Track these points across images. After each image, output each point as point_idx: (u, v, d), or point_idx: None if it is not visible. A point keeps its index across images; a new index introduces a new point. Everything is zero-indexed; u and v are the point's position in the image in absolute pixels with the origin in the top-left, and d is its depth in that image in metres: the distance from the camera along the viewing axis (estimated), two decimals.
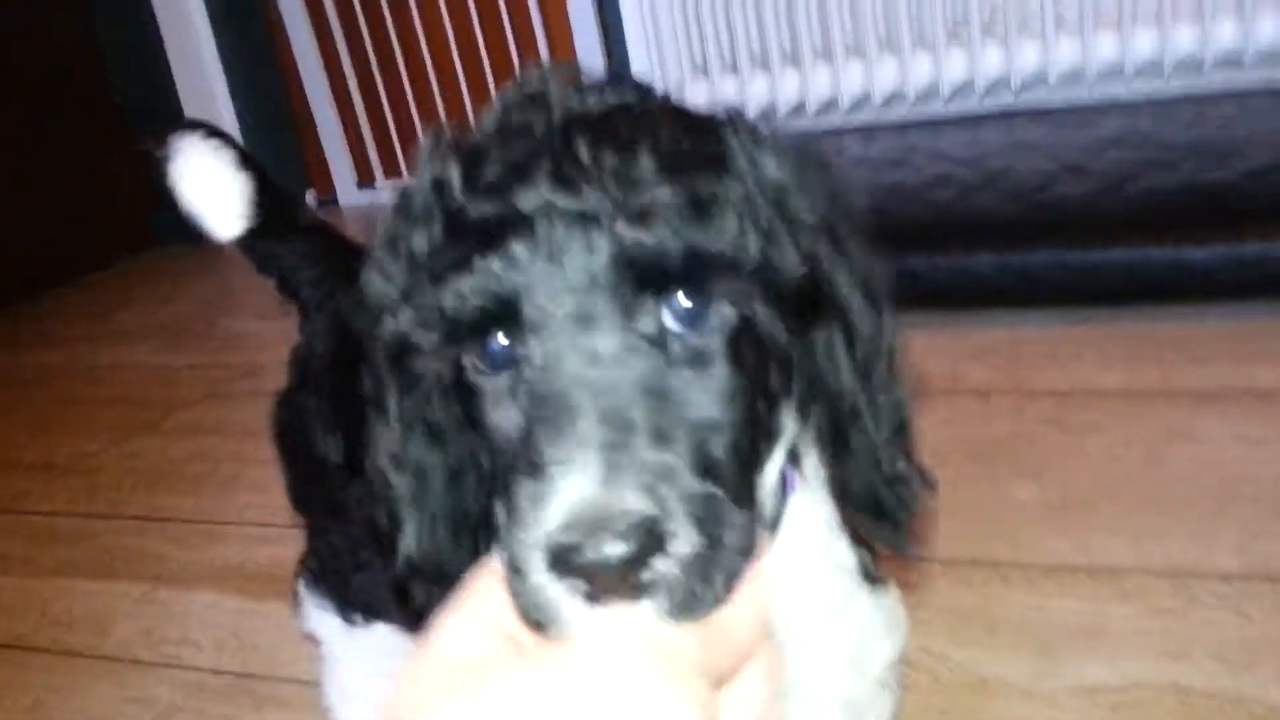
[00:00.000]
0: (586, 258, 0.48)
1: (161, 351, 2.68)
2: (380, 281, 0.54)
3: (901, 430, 0.62)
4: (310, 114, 3.69)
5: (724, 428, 0.49)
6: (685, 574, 0.44)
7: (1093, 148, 2.16)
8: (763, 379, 0.52)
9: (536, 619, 0.45)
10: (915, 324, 2.12)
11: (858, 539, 0.68)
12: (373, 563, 0.92)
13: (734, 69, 2.95)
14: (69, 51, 3.47)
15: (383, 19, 3.43)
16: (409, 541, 0.58)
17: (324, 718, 1.12)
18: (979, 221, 1.98)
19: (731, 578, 0.46)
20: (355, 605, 0.99)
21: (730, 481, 0.48)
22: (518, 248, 0.48)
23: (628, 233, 0.48)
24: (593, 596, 0.44)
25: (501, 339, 0.50)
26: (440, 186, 0.52)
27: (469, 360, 0.52)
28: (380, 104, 3.58)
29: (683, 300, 0.49)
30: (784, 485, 0.61)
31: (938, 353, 1.87)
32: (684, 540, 0.44)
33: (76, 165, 3.45)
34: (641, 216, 0.48)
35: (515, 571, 0.45)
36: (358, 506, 0.87)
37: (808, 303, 0.54)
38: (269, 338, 2.40)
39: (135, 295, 3.22)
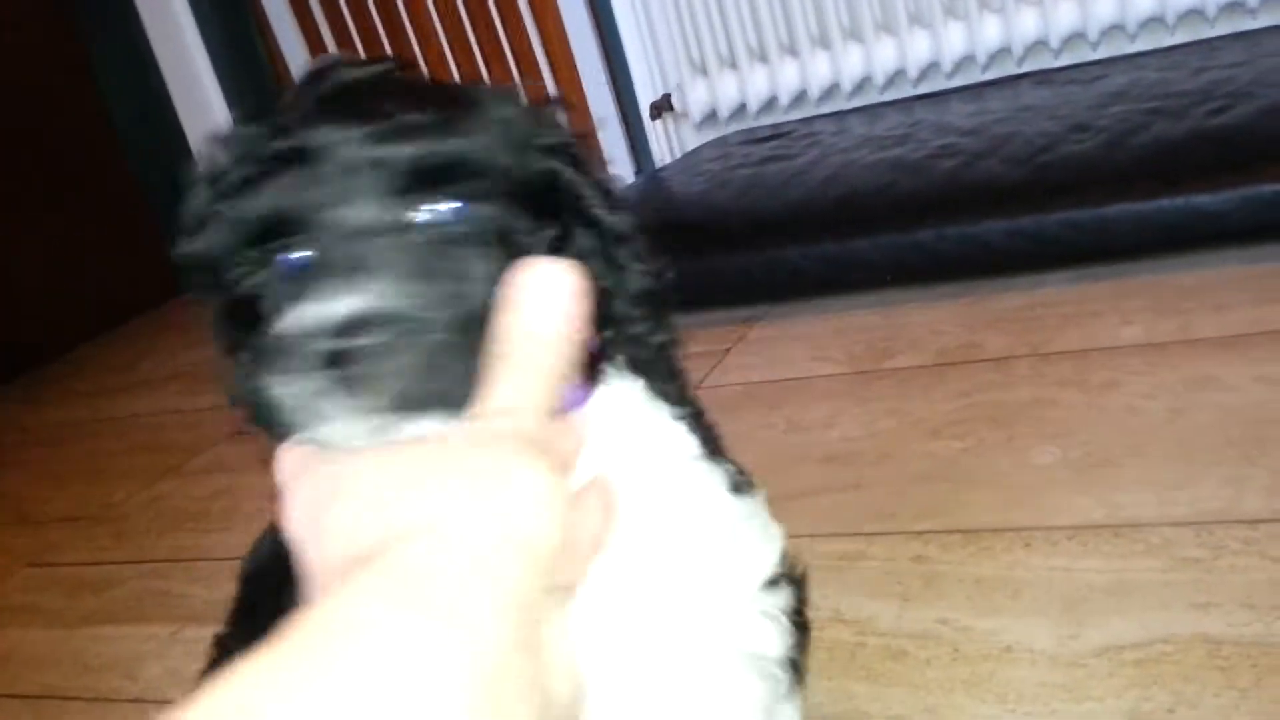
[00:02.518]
0: (353, 174, 0.54)
1: (183, 396, 2.69)
2: (196, 203, 0.61)
3: (647, 299, 0.68)
4: None
5: (460, 295, 0.52)
6: (413, 357, 0.48)
7: (1097, 104, 2.12)
8: (504, 261, 0.55)
9: (287, 420, 0.50)
10: (928, 296, 2.10)
11: (716, 451, 0.73)
12: None
13: (732, 64, 2.93)
14: (83, 123, 3.51)
15: (374, 26, 3.43)
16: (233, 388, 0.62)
17: None
18: (986, 189, 1.94)
19: (460, 373, 0.50)
20: None
21: (463, 326, 0.52)
22: (297, 172, 0.55)
23: (384, 151, 0.55)
24: (330, 386, 0.48)
25: (282, 248, 0.55)
26: (245, 138, 0.59)
27: (265, 273, 0.56)
28: None
29: (429, 196, 0.55)
30: (593, 365, 0.66)
31: (953, 324, 1.83)
32: (406, 329, 0.49)
33: (92, 223, 3.49)
34: (395, 133, 0.55)
35: (269, 373, 0.50)
36: None
37: (550, 206, 0.61)
38: None
39: (157, 345, 3.24)
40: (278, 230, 0.55)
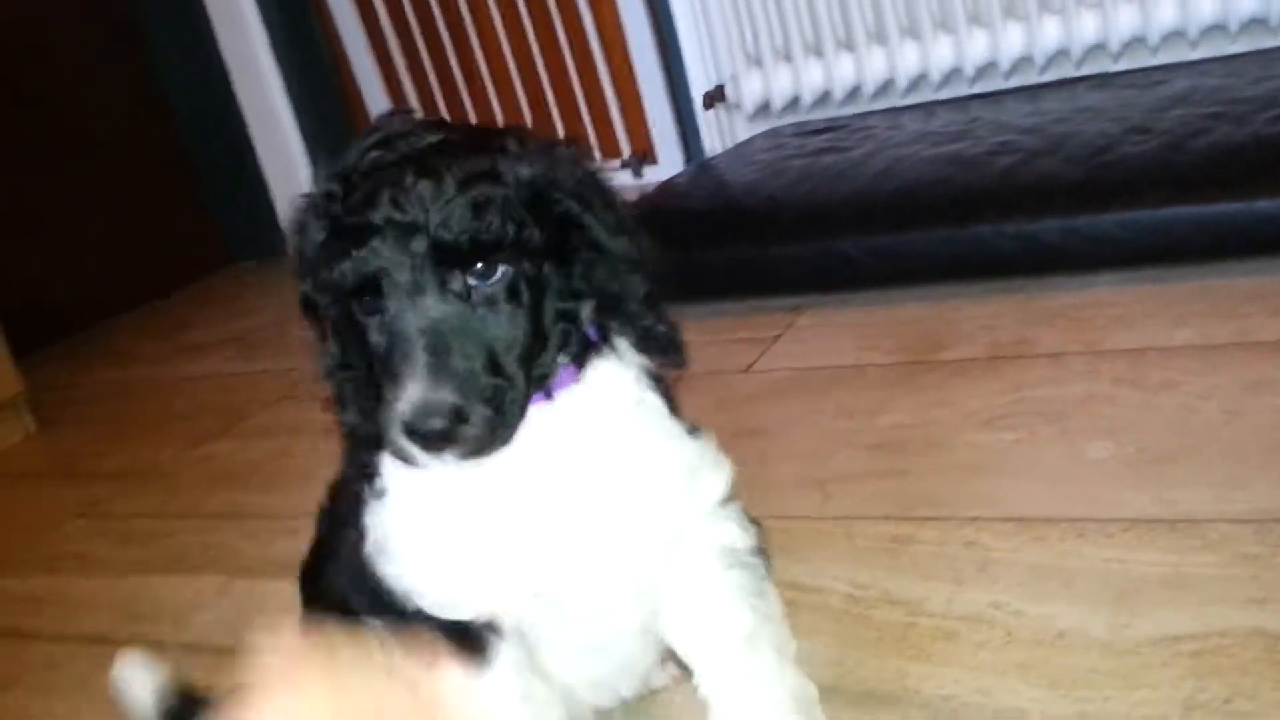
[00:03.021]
0: (413, 250, 0.80)
1: (235, 360, 2.73)
2: (293, 258, 0.88)
3: (647, 300, 0.89)
4: (367, 115, 3.73)
5: (508, 341, 0.83)
6: (481, 432, 0.80)
7: (1157, 107, 2.11)
8: (537, 303, 0.84)
9: (401, 459, 0.82)
10: (980, 291, 2.08)
11: (675, 409, 0.95)
12: None
13: (787, 57, 2.93)
14: (136, 89, 3.56)
15: (431, 15, 3.46)
16: (348, 418, 0.90)
17: None
18: (1043, 186, 1.94)
19: (511, 429, 0.83)
20: None
21: (513, 373, 0.82)
22: (373, 244, 0.80)
23: (436, 233, 0.80)
24: (428, 449, 0.80)
25: (369, 299, 0.82)
26: (329, 197, 0.84)
27: (355, 309, 0.83)
28: (433, 96, 3.62)
29: (475, 268, 0.81)
30: (586, 352, 0.90)
31: (1006, 319, 1.83)
32: (478, 416, 0.80)
33: (146, 192, 3.53)
34: (443, 224, 0.80)
35: (390, 436, 0.80)
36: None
37: (564, 245, 0.86)
38: None
39: (208, 313, 3.28)
40: (361, 288, 0.81)
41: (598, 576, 0.89)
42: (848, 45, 2.85)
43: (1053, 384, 1.59)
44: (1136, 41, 2.60)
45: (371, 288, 0.81)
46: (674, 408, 0.95)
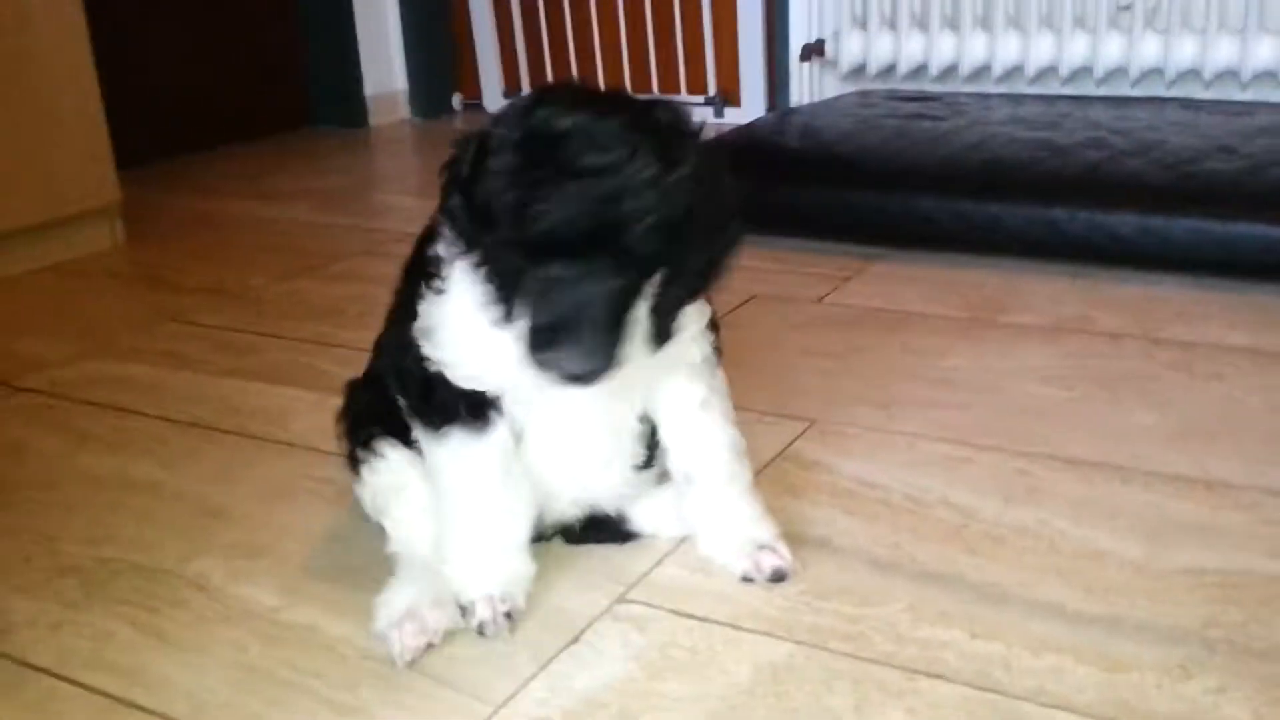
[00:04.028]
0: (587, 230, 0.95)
1: (318, 212, 2.84)
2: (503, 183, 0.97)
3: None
4: (468, 17, 3.83)
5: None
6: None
7: (1244, 133, 2.23)
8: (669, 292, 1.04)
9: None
10: (1046, 271, 2.23)
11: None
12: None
13: (892, 25, 3.03)
14: None
15: None
16: (455, 203, 1.03)
17: None
18: (1126, 184, 2.06)
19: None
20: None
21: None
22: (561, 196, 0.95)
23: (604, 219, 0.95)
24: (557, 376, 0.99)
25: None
26: (556, 140, 0.95)
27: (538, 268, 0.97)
28: (537, 15, 3.71)
29: (630, 256, 0.97)
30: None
31: (1070, 298, 1.96)
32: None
33: (242, 40, 3.63)
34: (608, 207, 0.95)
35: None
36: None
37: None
38: (419, 212, 2.54)
39: (286, 164, 3.40)
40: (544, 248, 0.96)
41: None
42: (952, 25, 2.95)
43: (1108, 358, 1.72)
44: (1229, 74, 2.70)
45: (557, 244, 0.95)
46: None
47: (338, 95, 3.79)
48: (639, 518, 1.27)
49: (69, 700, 1.08)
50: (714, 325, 1.21)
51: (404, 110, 3.96)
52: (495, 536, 1.15)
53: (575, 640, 1.12)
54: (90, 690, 1.09)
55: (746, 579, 1.19)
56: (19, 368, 1.93)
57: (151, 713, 1.05)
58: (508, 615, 1.13)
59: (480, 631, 1.12)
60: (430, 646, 1.10)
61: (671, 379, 1.18)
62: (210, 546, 1.34)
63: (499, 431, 1.13)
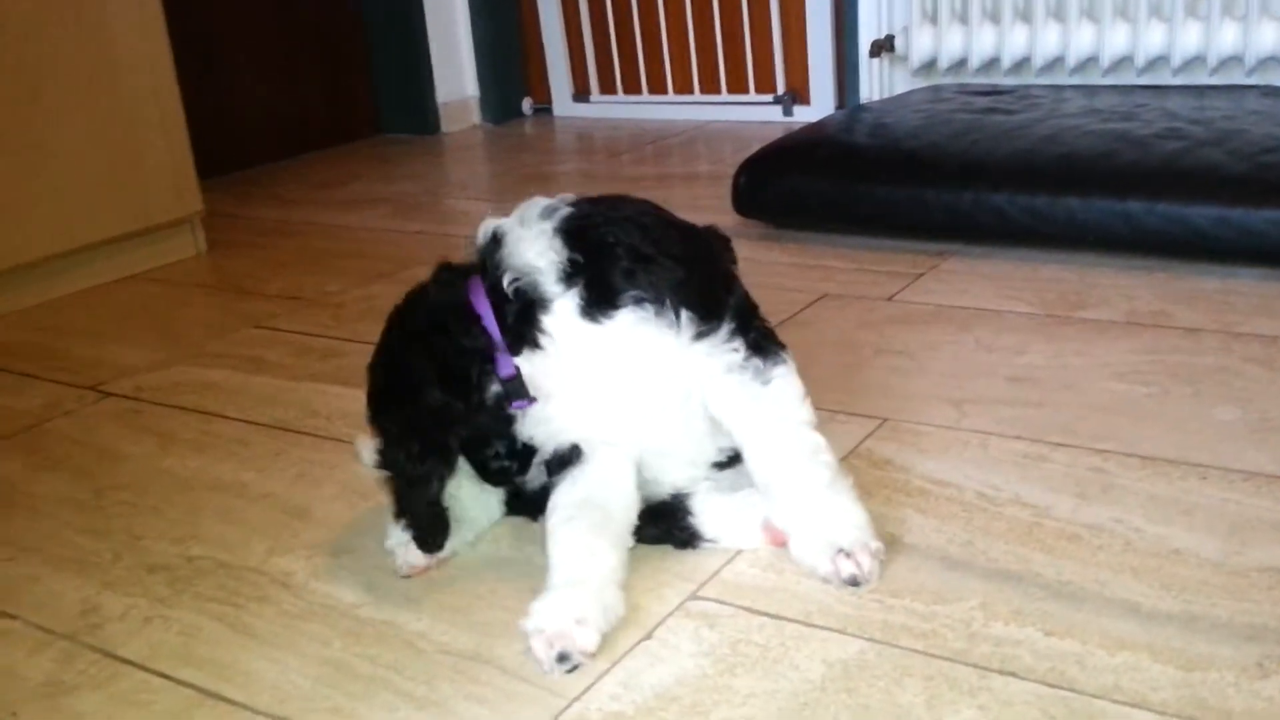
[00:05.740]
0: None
1: (391, 218, 2.89)
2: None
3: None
4: (538, 23, 3.87)
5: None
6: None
7: None
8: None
9: None
10: (1122, 265, 2.21)
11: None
12: None
13: (963, 19, 3.01)
14: None
15: None
16: None
17: None
18: (1204, 175, 2.02)
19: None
20: None
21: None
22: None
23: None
24: None
25: None
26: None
27: None
28: (605, 19, 3.74)
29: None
30: None
31: (1146, 292, 1.93)
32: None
33: (315, 54, 3.71)
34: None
35: None
36: None
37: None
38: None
39: (360, 173, 3.46)
40: None
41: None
42: (1025, 17, 2.92)
43: (1186, 353, 1.69)
44: None
45: None
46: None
47: (410, 103, 3.85)
48: (707, 523, 1.28)
49: (158, 692, 1.12)
50: (764, 330, 1.27)
51: (475, 116, 4.01)
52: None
53: (648, 636, 1.13)
54: (178, 683, 1.13)
55: (827, 581, 1.19)
56: (108, 373, 1.99)
57: (238, 705, 1.09)
58: (561, 657, 1.09)
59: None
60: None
61: (712, 385, 1.23)
62: (293, 545, 1.38)
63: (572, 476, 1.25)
